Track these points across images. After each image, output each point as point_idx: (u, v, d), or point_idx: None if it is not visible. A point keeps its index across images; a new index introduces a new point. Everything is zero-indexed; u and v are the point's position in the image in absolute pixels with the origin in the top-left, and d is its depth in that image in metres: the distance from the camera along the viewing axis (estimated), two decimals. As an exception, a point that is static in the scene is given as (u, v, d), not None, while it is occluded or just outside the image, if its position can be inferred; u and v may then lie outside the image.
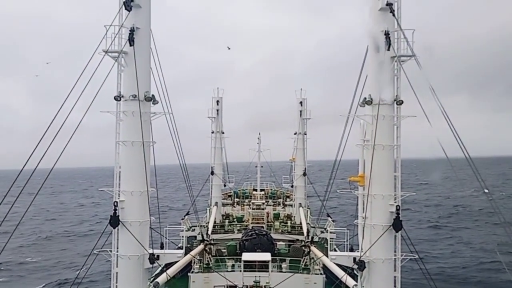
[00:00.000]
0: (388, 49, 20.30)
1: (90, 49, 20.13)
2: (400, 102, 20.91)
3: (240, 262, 32.42)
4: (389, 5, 20.21)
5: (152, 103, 21.53)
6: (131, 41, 20.26)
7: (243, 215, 57.71)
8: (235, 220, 55.84)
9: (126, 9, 20.25)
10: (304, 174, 57.24)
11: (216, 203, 56.16)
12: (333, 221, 48.92)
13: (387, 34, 20.22)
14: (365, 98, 21.13)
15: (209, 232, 42.11)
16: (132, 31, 20.33)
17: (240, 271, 31.33)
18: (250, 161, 72.71)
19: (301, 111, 56.81)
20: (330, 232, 44.02)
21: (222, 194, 61.32)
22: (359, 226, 21.92)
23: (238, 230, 50.29)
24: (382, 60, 20.42)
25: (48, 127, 17.83)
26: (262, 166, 72.49)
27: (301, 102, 56.57)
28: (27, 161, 17.41)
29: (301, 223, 49.91)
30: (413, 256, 21.70)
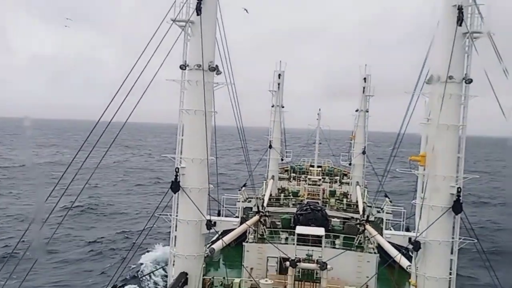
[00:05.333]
0: (460, 25, 19.42)
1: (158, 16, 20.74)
2: (469, 81, 20.07)
3: (293, 235, 32.79)
4: None
5: (216, 74, 21.91)
6: (198, 10, 20.60)
7: (299, 190, 58.04)
8: (290, 194, 56.27)
9: None
10: (364, 153, 56.38)
11: (273, 177, 56.72)
12: (390, 201, 48.15)
13: (460, 9, 19.33)
14: (431, 75, 20.43)
15: (265, 204, 42.78)
16: (199, 0, 20.63)
17: (294, 244, 31.72)
18: (308, 127, 72.12)
19: (364, 88, 55.57)
20: (387, 212, 43.43)
21: (279, 168, 61.77)
22: (417, 207, 21.52)
23: (293, 204, 50.71)
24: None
25: (120, 87, 18.96)
26: (320, 143, 71.96)
27: (364, 78, 55.26)
28: (102, 114, 18.74)
29: (357, 201, 49.52)
30: (472, 240, 21.11)
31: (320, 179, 60.27)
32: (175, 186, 21.45)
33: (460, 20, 19.34)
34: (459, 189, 19.98)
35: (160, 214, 22.88)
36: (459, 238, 20.86)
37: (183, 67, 21.38)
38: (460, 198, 19.96)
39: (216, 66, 21.71)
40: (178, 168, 21.47)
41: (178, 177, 21.43)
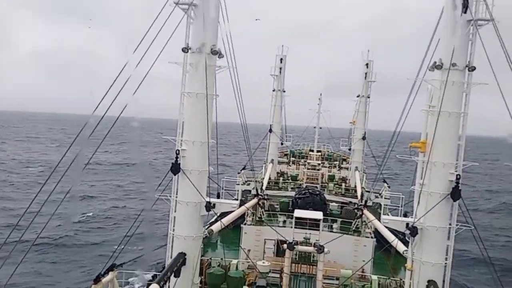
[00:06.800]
0: (465, 12, 19.30)
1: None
2: (472, 68, 20.03)
3: (291, 218, 33.07)
4: None
5: (218, 57, 21.81)
6: None
7: (298, 174, 58.29)
8: (289, 178, 56.56)
9: None
10: (364, 138, 56.46)
11: (272, 160, 56.93)
12: (388, 186, 48.41)
13: None
14: (435, 62, 20.40)
15: (264, 188, 43.02)
16: None
17: (291, 227, 32.00)
18: (308, 124, 72.13)
19: (366, 73, 55.44)
20: (385, 198, 43.69)
21: (279, 152, 61.95)
22: (415, 193, 21.67)
23: (292, 188, 51.02)
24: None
25: (116, 78, 18.60)
26: (320, 128, 71.85)
27: (367, 64, 55.13)
28: (95, 108, 18.17)
29: (355, 186, 49.80)
30: (469, 226, 21.29)
31: (319, 164, 60.52)
32: (175, 168, 21.49)
33: (465, 7, 19.23)
34: (458, 176, 20.10)
35: (160, 195, 22.97)
36: (456, 225, 21.05)
37: (185, 50, 21.24)
38: (459, 185, 20.09)
39: (218, 49, 21.62)
40: (179, 150, 21.53)
41: (178, 159, 21.50)
